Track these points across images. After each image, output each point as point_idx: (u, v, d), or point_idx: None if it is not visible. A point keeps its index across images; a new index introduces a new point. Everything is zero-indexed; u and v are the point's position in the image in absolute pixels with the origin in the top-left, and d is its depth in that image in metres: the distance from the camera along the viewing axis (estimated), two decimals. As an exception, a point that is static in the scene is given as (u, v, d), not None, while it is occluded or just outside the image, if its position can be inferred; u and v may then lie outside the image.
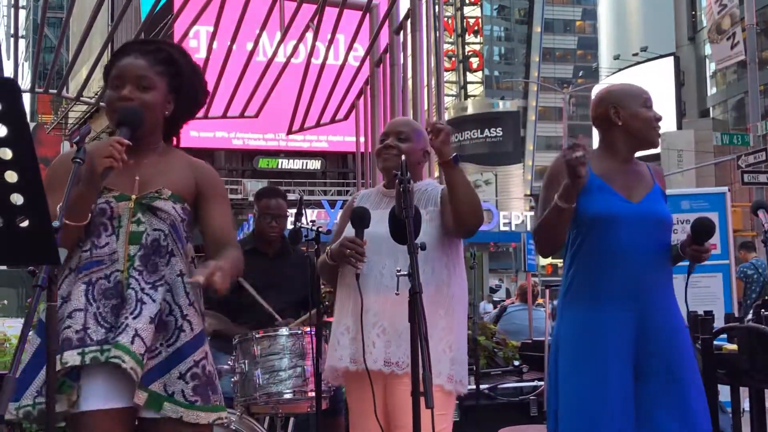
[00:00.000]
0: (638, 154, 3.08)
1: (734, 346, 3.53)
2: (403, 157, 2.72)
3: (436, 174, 7.64)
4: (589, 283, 2.93)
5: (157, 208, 2.43)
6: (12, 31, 8.60)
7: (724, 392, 3.74)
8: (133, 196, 2.42)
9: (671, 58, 43.88)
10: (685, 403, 2.82)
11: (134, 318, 2.31)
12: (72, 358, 2.25)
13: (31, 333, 2.32)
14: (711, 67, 41.52)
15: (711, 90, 42.63)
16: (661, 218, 2.96)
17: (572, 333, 2.94)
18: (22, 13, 49.22)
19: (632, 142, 3.01)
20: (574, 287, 2.97)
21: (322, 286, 4.28)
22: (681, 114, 43.05)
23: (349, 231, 2.99)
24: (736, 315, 4.65)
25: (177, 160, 2.57)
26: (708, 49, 40.07)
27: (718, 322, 3.66)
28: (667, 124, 39.60)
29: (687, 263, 2.97)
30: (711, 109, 41.96)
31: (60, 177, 2.33)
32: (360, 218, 2.83)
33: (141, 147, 2.44)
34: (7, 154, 1.72)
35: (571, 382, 2.90)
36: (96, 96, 10.05)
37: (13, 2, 8.79)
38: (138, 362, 2.28)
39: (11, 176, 1.74)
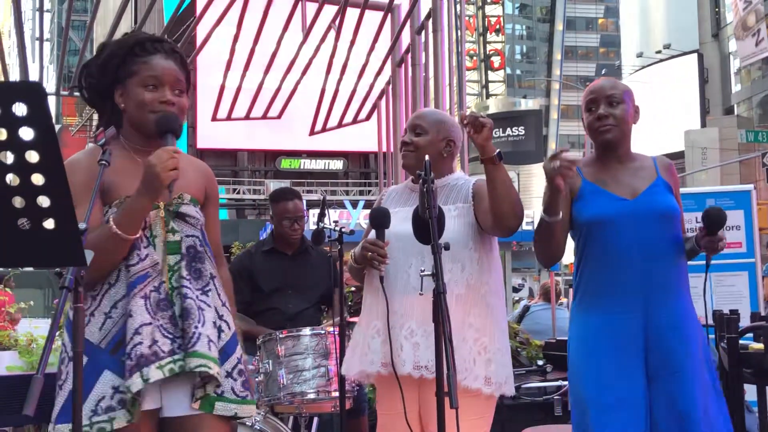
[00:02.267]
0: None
1: (760, 345, 3.49)
2: (426, 157, 2.60)
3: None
4: (595, 286, 2.91)
5: (185, 213, 2.41)
6: (37, 35, 8.68)
7: (751, 392, 3.71)
8: (161, 204, 2.39)
9: (695, 56, 43.49)
10: (692, 403, 2.76)
11: (202, 326, 2.32)
12: (153, 373, 2.22)
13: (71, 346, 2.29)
14: (735, 64, 41.12)
15: (735, 87, 42.21)
16: (662, 211, 2.88)
17: (584, 338, 2.92)
18: (47, 17, 49.67)
19: (596, 145, 3.00)
20: (581, 292, 2.96)
21: (345, 286, 4.28)
22: (705, 111, 42.66)
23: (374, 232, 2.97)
24: (762, 314, 4.61)
25: (185, 162, 2.48)
26: (732, 46, 39.73)
27: (744, 321, 3.62)
28: (691, 121, 39.36)
29: (704, 260, 2.91)
30: (735, 106, 41.53)
31: (85, 185, 2.25)
32: (379, 219, 2.78)
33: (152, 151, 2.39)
34: (34, 157, 1.74)
35: (584, 388, 2.88)
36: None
37: (38, 6, 8.87)
38: (219, 366, 2.33)
39: (38, 179, 1.75)
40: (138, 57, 2.40)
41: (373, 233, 2.84)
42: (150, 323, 2.25)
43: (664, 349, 2.80)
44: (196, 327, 2.30)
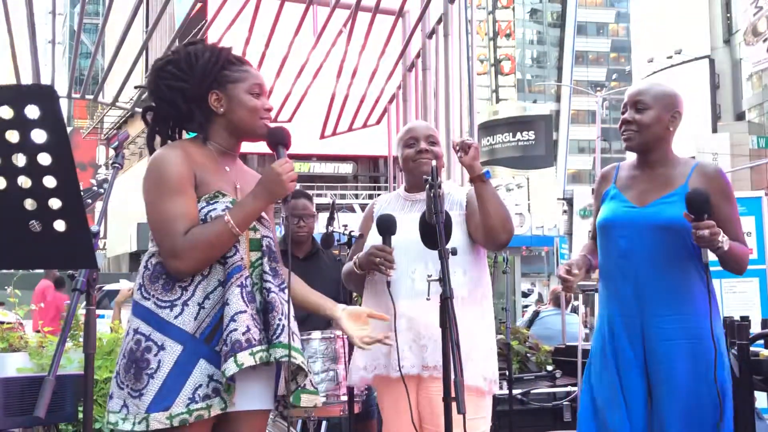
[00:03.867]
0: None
1: (771, 352, 3.48)
2: (433, 162, 2.74)
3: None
4: (602, 289, 2.97)
5: (261, 216, 2.48)
6: (49, 38, 8.73)
7: (761, 399, 3.70)
8: None
9: (706, 61, 43.35)
10: (687, 415, 2.75)
11: (286, 319, 2.40)
12: (246, 359, 2.27)
13: (163, 337, 2.29)
14: (747, 70, 40.98)
15: (746, 93, 42.06)
16: (663, 222, 2.81)
17: (594, 339, 2.99)
18: (60, 20, 49.91)
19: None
20: (599, 294, 3.02)
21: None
22: (716, 117, 42.52)
23: (373, 238, 3.01)
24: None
25: (246, 168, 2.62)
26: (743, 52, 39.60)
27: (755, 328, 3.61)
28: (702, 127, 39.22)
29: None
30: (747, 112, 41.40)
31: (188, 178, 2.35)
32: (387, 226, 2.83)
33: (231, 155, 2.53)
34: (46, 159, 1.75)
35: (583, 391, 2.96)
36: (131, 101, 10.15)
37: (50, 9, 8.92)
38: (303, 357, 2.42)
39: (50, 181, 1.77)
40: (235, 65, 2.51)
41: (379, 239, 2.89)
42: (245, 311, 2.31)
43: (656, 359, 2.80)
44: (280, 319, 2.38)
